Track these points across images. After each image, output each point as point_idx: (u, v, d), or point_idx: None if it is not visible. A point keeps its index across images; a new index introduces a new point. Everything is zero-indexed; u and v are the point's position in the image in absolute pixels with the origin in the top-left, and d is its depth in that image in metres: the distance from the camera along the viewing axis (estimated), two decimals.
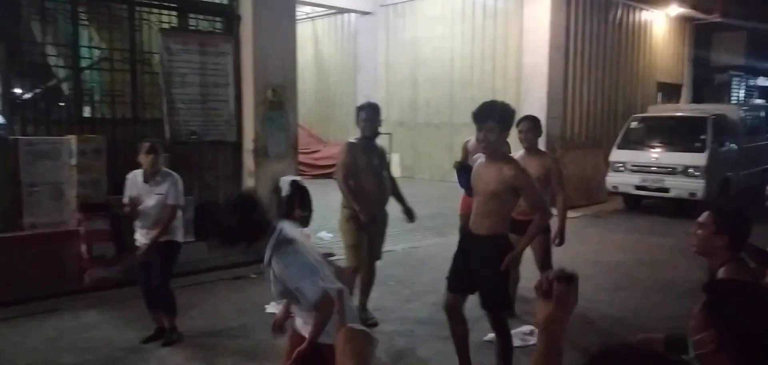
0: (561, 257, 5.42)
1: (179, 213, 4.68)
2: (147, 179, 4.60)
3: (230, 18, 7.64)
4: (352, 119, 18.45)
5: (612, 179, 10.88)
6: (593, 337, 4.86)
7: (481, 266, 3.65)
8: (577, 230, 9.21)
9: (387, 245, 5.51)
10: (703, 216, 2.76)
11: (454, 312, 3.90)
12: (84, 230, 5.97)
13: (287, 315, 2.99)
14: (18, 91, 6.30)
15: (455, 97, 13.90)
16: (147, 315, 4.76)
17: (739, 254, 2.75)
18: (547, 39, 11.21)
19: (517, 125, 5.00)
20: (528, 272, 5.46)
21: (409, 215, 5.22)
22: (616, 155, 10.89)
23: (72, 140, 6.11)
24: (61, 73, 6.84)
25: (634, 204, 11.08)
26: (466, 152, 6.31)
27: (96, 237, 6.00)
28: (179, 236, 4.71)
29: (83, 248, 5.96)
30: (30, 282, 5.59)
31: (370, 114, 4.95)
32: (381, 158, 5.04)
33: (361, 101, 16.67)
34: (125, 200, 4.65)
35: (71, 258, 5.94)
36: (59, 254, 5.89)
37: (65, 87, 6.94)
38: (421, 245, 7.84)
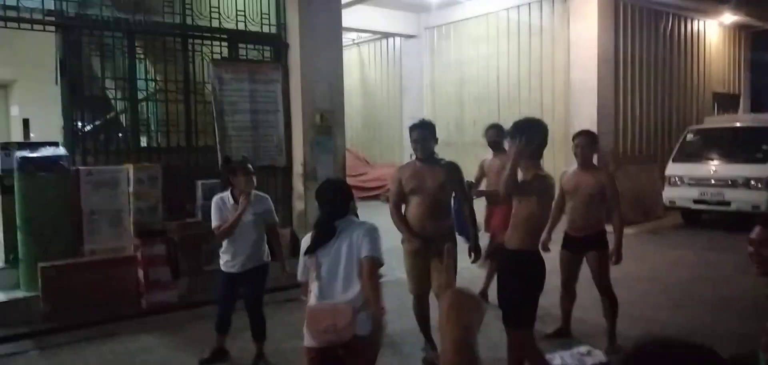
0: (618, 274, 5.28)
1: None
2: (238, 201, 4.53)
3: (278, 46, 7.82)
4: (398, 141, 18.72)
5: (669, 194, 10.52)
6: None
7: (504, 281, 3.58)
8: (633, 247, 8.93)
9: None
10: (758, 233, 2.62)
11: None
12: (141, 255, 6.15)
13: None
14: (79, 123, 6.58)
15: (502, 115, 13.73)
16: (202, 337, 4.84)
17: None
18: (595, 54, 11.01)
19: (573, 139, 4.93)
20: (580, 297, 5.34)
21: (474, 251, 4.73)
22: (672, 168, 10.54)
23: (129, 168, 6.35)
24: (119, 105, 7.13)
25: (694, 219, 10.67)
26: (482, 172, 6.23)
27: (152, 262, 6.17)
28: (268, 257, 4.75)
29: (140, 273, 6.14)
30: (90, 307, 5.78)
31: (420, 134, 4.44)
32: (443, 180, 4.44)
33: (407, 122, 16.74)
34: (215, 223, 4.54)
35: (129, 283, 6.13)
36: (118, 279, 6.07)
37: (123, 118, 7.23)
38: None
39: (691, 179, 10.20)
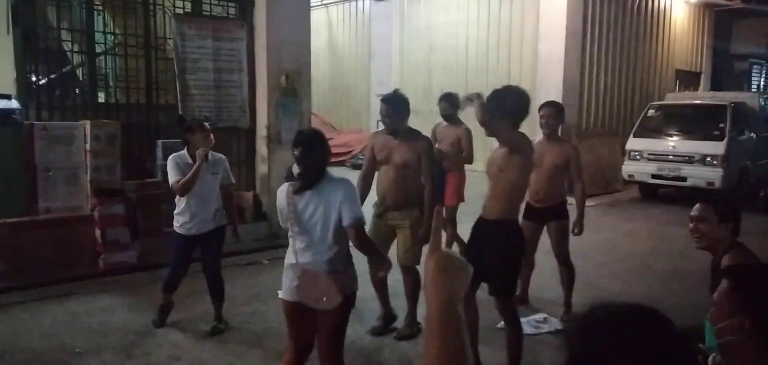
0: (576, 245, 5.39)
1: None
2: (194, 160, 4.42)
3: (244, 4, 7.63)
4: (366, 107, 18.62)
5: (628, 168, 10.75)
6: None
7: (490, 252, 3.61)
8: (592, 219, 9.07)
9: None
10: (699, 210, 2.79)
11: (466, 299, 3.87)
12: (98, 215, 6.01)
13: None
14: (33, 76, 6.33)
15: (470, 84, 13.74)
16: (158, 299, 4.75)
17: (737, 239, 2.76)
18: (563, 25, 11.04)
19: (539, 110, 4.94)
20: (539, 266, 5.44)
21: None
22: (633, 143, 10.75)
23: (86, 125, 6.15)
24: (76, 58, 6.87)
25: (651, 193, 10.95)
26: (434, 138, 6.20)
27: (110, 222, 6.03)
28: (225, 221, 4.67)
29: (98, 233, 6.00)
30: (45, 266, 5.65)
31: (387, 109, 4.34)
32: (408, 157, 4.35)
33: (375, 88, 16.64)
34: (174, 179, 4.40)
35: (86, 243, 5.99)
36: (74, 238, 5.93)
37: (80, 73, 6.98)
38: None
39: (650, 154, 10.43)
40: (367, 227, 4.19)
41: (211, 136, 4.56)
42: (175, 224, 4.58)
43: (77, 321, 4.82)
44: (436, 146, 6.14)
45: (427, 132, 4.76)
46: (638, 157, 10.59)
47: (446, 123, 6.13)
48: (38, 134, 5.93)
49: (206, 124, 4.63)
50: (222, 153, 7.15)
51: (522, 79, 12.53)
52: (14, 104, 5.93)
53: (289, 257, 3.14)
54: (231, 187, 4.77)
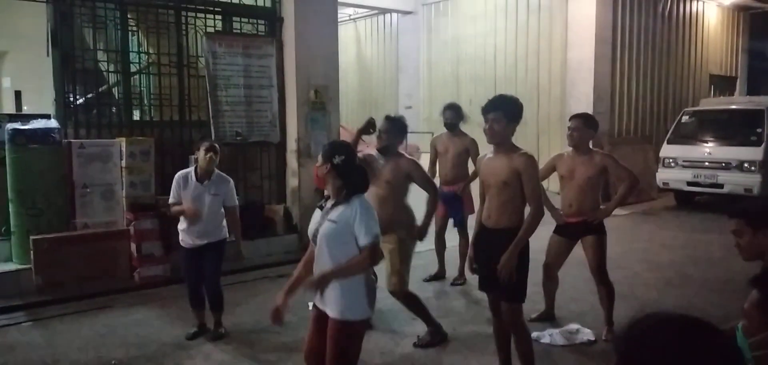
0: (610, 255, 5.26)
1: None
2: (201, 179, 4.63)
3: (273, 20, 7.75)
4: None
5: (663, 176, 10.54)
6: None
7: (499, 259, 3.57)
8: (625, 228, 8.98)
9: None
10: (732, 225, 2.69)
11: (495, 311, 3.84)
12: (134, 229, 6.14)
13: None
14: (71, 96, 6.52)
15: (509, 94, 13.71)
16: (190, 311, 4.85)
17: None
18: (592, 33, 10.96)
19: (569, 122, 4.86)
20: (576, 272, 5.34)
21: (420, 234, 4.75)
22: (667, 150, 10.55)
23: (122, 142, 6.31)
24: (112, 78, 7.07)
25: (687, 201, 10.71)
26: (436, 152, 6.23)
27: (145, 236, 6.17)
28: (226, 233, 4.81)
29: (133, 247, 6.14)
30: (82, 280, 5.80)
31: (387, 126, 4.51)
32: (391, 178, 4.42)
33: (403, 101, 16.68)
34: (172, 200, 4.69)
35: (122, 257, 6.13)
36: (111, 253, 6.07)
37: (115, 92, 7.17)
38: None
39: (685, 160, 10.21)
40: None
41: (217, 157, 4.64)
42: (180, 238, 4.76)
43: (113, 333, 4.92)
44: (437, 158, 6.18)
45: None
46: (673, 164, 10.38)
47: (448, 133, 6.14)
48: (76, 152, 6.11)
49: (215, 144, 4.71)
50: (253, 167, 7.33)
51: (551, 88, 12.46)
52: (53, 123, 6.13)
53: None
54: (235, 209, 4.81)
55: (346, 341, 2.93)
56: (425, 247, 6.72)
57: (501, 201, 3.62)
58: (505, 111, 3.54)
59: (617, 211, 9.88)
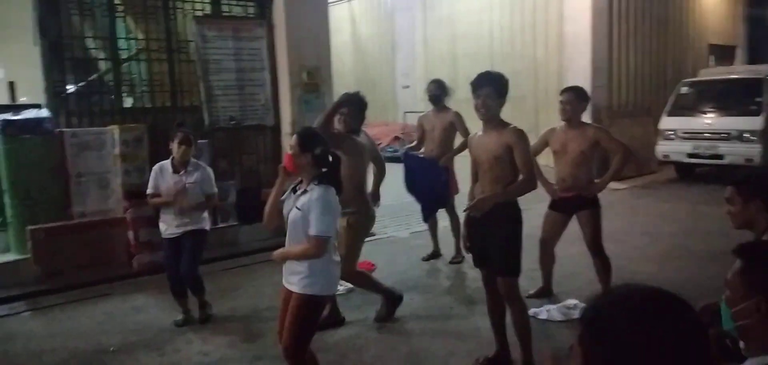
0: (609, 229, 5.25)
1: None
2: (176, 169, 4.65)
3: (263, 2, 7.65)
4: (392, 99, 18.57)
5: (662, 148, 10.49)
6: None
7: (492, 233, 3.58)
8: (626, 202, 8.96)
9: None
10: (727, 192, 2.70)
11: (489, 287, 3.83)
12: (130, 217, 6.12)
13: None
14: (61, 84, 6.46)
15: (496, 70, 13.64)
16: (190, 296, 4.84)
17: None
18: (588, 5, 10.83)
19: (560, 96, 4.84)
20: (575, 248, 5.33)
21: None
22: (666, 122, 10.48)
23: (114, 130, 6.26)
24: (102, 65, 7.00)
25: (687, 173, 10.66)
26: (422, 130, 6.23)
27: (142, 223, 6.13)
28: (207, 225, 4.84)
29: (130, 234, 6.12)
30: (81, 269, 5.79)
31: (350, 109, 4.53)
32: (351, 154, 4.39)
33: (400, 80, 16.60)
34: (150, 190, 4.73)
35: (120, 245, 6.11)
36: (108, 241, 6.06)
37: (106, 79, 7.11)
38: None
39: (684, 132, 10.15)
40: None
41: (187, 147, 4.63)
42: (160, 228, 4.79)
43: (112, 320, 4.93)
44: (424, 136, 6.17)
45: None
46: (673, 136, 10.32)
47: (434, 110, 6.13)
48: (69, 141, 6.07)
49: (189, 135, 4.70)
50: (248, 152, 7.29)
51: (548, 62, 12.37)
52: (44, 112, 6.08)
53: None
54: (213, 196, 4.81)
55: (302, 311, 3.09)
56: (421, 227, 6.73)
57: (493, 176, 3.63)
58: (495, 87, 3.56)
59: (617, 185, 9.93)
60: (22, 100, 7.95)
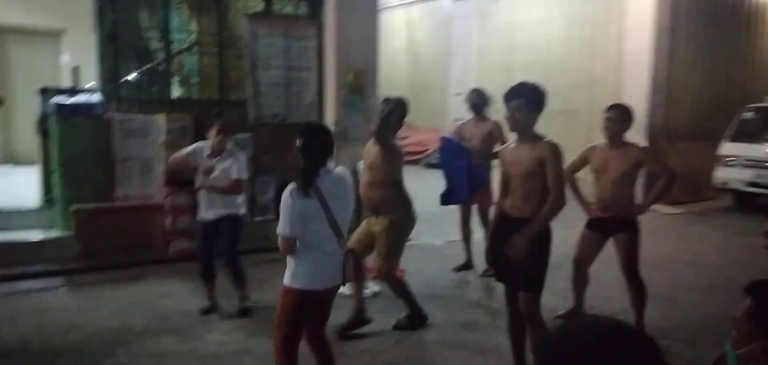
0: (655, 255, 5.03)
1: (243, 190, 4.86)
2: (214, 154, 4.74)
3: (314, 2, 7.73)
4: (444, 106, 18.40)
5: (721, 175, 9.97)
6: (674, 341, 4.48)
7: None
8: (676, 227, 8.59)
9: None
10: (766, 225, 2.55)
11: (511, 303, 3.72)
12: (169, 203, 6.29)
13: None
14: (114, 72, 6.71)
15: (551, 83, 13.17)
16: (219, 286, 4.94)
17: None
18: (651, 22, 10.43)
19: (605, 112, 4.67)
20: (613, 271, 5.14)
21: None
22: (727, 148, 9.97)
23: (161, 118, 6.46)
24: (155, 56, 7.24)
25: (746, 203, 10.09)
26: (460, 137, 6.13)
27: (180, 211, 6.27)
28: (241, 210, 4.88)
29: (168, 220, 6.28)
30: (119, 250, 6.00)
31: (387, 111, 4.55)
32: (375, 160, 4.52)
33: (453, 87, 16.48)
34: (181, 152, 4.89)
35: (157, 230, 6.28)
36: (147, 225, 6.24)
37: (158, 69, 7.34)
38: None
39: (746, 160, 9.62)
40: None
41: (224, 137, 4.73)
42: (197, 214, 4.91)
43: (142, 303, 5.07)
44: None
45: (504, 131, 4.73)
46: (733, 163, 9.80)
47: (474, 119, 6.07)
48: (117, 127, 6.30)
49: (219, 123, 4.79)
50: (290, 149, 7.35)
51: (606, 78, 12.00)
52: (96, 97, 6.33)
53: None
54: (240, 182, 4.81)
55: (281, 298, 3.22)
56: (454, 236, 6.64)
57: (524, 191, 3.53)
58: (526, 99, 3.46)
59: (669, 209, 9.53)
60: (88, 85, 8.32)
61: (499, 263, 3.76)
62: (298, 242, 3.12)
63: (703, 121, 11.53)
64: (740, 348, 1.52)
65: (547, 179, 3.44)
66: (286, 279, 3.19)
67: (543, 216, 3.45)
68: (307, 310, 3.24)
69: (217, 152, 4.72)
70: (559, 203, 3.45)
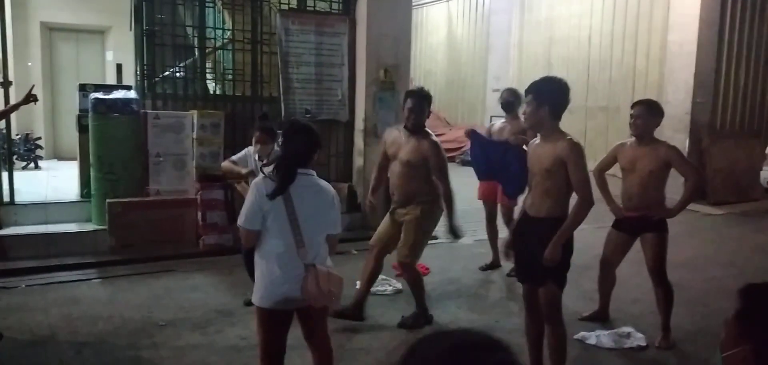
0: (691, 256, 4.82)
1: None
2: (260, 159, 4.84)
3: None
4: (481, 101, 18.28)
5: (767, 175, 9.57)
6: (701, 346, 4.32)
7: (539, 248, 3.38)
8: (716, 228, 8.28)
9: None
10: None
11: (529, 304, 3.66)
12: (200, 198, 6.43)
13: None
14: (151, 68, 6.89)
15: (592, 78, 13.06)
16: (247, 281, 5.02)
17: None
18: (697, 14, 10.05)
19: (631, 109, 4.54)
20: (643, 273, 5.01)
21: (452, 233, 4.68)
22: None
23: (194, 114, 6.59)
24: (190, 52, 7.39)
25: None
26: (489, 137, 6.04)
27: (211, 206, 6.43)
28: None
29: (199, 215, 6.43)
30: (151, 244, 6.16)
31: (415, 104, 4.44)
32: (412, 158, 4.43)
33: (491, 83, 16.30)
34: (244, 171, 4.89)
35: (189, 224, 6.43)
36: (178, 219, 6.39)
37: (194, 66, 7.49)
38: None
39: None
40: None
41: (263, 145, 4.79)
42: None
43: (168, 296, 5.19)
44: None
45: None
46: None
47: (508, 118, 5.98)
48: (151, 123, 6.45)
49: (258, 132, 4.85)
50: (321, 148, 7.47)
51: (648, 72, 11.68)
52: (132, 94, 6.51)
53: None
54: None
55: None
56: (481, 235, 6.56)
57: (544, 189, 3.47)
58: (535, 94, 3.40)
59: (710, 209, 9.19)
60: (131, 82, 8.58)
61: (518, 263, 3.71)
62: (257, 249, 2.97)
63: (750, 118, 11.07)
64: (726, 350, 1.47)
65: (572, 180, 3.36)
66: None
67: (571, 221, 3.37)
68: (274, 329, 2.99)
69: (262, 157, 4.79)
70: (587, 205, 3.37)
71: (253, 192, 2.91)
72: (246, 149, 4.97)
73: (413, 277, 4.66)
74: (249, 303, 4.86)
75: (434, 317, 4.76)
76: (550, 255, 3.35)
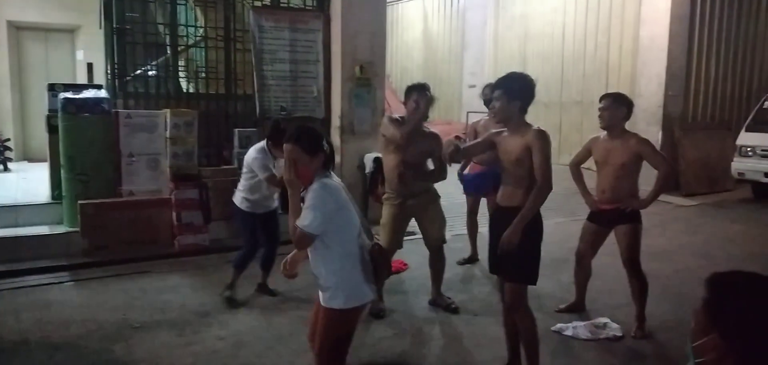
0: (665, 247, 4.87)
1: None
2: (274, 157, 4.83)
3: None
4: (458, 98, 18.32)
5: (738, 165, 9.73)
6: (677, 336, 4.39)
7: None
8: (690, 219, 8.41)
9: None
10: None
11: (504, 294, 3.68)
12: (175, 198, 6.33)
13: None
14: (122, 67, 6.77)
15: (566, 73, 13.19)
16: (225, 281, 5.02)
17: None
18: (668, 9, 10.20)
19: (599, 102, 4.59)
20: (612, 268, 5.07)
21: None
22: (745, 138, 9.72)
23: (166, 113, 6.49)
24: (162, 51, 7.28)
25: (764, 194, 9.84)
26: (475, 134, 5.96)
27: (186, 206, 6.34)
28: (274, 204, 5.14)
29: (174, 215, 6.33)
30: (126, 245, 6.06)
31: (425, 98, 4.60)
32: (422, 150, 4.64)
33: (467, 79, 16.36)
34: (266, 174, 4.77)
35: (164, 225, 6.34)
36: (153, 220, 6.29)
37: (165, 64, 7.38)
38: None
39: (763, 150, 9.38)
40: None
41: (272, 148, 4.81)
42: (243, 205, 4.94)
43: (144, 297, 5.10)
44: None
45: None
46: (751, 153, 9.56)
47: (488, 115, 5.89)
48: (123, 122, 6.35)
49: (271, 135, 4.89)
50: None
51: (621, 66, 11.83)
52: (103, 93, 6.39)
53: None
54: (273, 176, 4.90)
55: (325, 323, 2.87)
56: (461, 230, 6.58)
57: (514, 179, 3.51)
58: (504, 88, 3.47)
59: (683, 201, 9.34)
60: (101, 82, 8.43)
61: (492, 254, 3.73)
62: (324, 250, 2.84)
63: (721, 110, 11.30)
64: (696, 340, 1.48)
65: (534, 164, 3.39)
66: (331, 302, 2.84)
67: (530, 205, 3.39)
68: (355, 325, 3.01)
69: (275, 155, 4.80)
70: (545, 189, 3.39)
71: (330, 193, 2.72)
72: (254, 154, 4.84)
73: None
74: (232, 302, 4.86)
75: (413, 311, 4.75)
76: (508, 239, 3.38)
